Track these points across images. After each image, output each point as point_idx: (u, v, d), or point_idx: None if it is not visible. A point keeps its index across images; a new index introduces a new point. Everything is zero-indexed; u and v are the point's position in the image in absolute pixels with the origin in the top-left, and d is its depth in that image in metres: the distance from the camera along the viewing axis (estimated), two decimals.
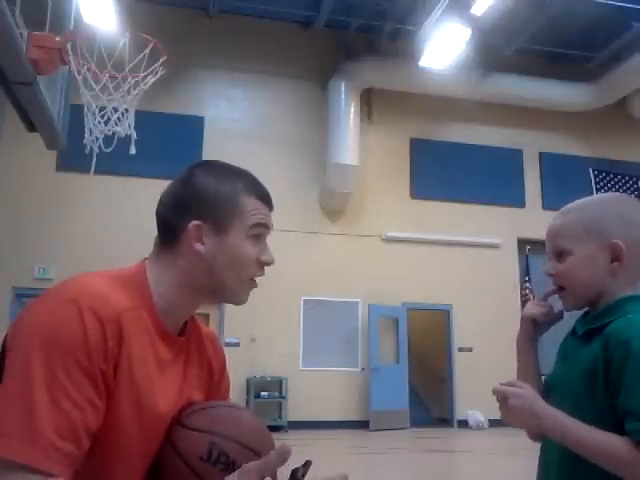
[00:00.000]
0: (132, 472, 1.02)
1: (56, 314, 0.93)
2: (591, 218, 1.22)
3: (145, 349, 1.02)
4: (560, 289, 1.27)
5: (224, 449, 1.00)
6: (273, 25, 11.92)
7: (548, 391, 1.29)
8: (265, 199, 1.15)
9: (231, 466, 0.99)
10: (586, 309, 1.28)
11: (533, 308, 1.33)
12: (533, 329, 1.34)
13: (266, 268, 1.16)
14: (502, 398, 1.15)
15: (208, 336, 1.25)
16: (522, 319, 1.35)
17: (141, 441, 1.01)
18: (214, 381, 1.24)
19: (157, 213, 1.13)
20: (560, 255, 1.25)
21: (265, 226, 1.13)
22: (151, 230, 1.16)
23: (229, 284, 1.10)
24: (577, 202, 1.29)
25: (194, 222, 1.07)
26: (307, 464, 1.09)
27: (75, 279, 1.00)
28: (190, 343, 1.17)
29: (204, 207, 1.09)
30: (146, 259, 1.12)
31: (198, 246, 1.08)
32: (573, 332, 1.28)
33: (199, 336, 1.21)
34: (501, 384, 1.17)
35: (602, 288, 1.22)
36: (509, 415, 1.15)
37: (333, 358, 11.15)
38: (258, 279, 1.16)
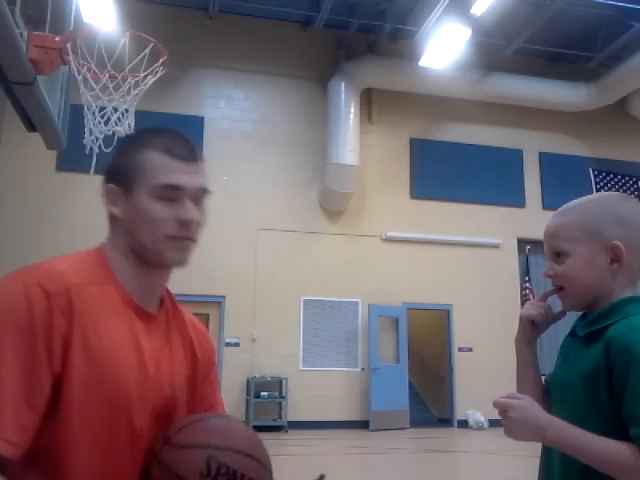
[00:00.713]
0: (102, 446, 0.99)
1: (4, 290, 0.95)
2: (590, 219, 1.21)
3: (111, 323, 1.01)
4: (559, 289, 1.26)
5: (222, 460, 0.98)
6: (273, 25, 11.92)
7: (549, 392, 1.29)
8: (174, 151, 1.09)
9: (233, 476, 0.98)
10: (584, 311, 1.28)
11: (531, 309, 1.32)
12: (531, 330, 1.33)
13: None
14: (503, 411, 1.13)
15: (192, 321, 1.23)
16: (520, 320, 1.34)
17: (109, 410, 0.99)
18: (200, 367, 1.19)
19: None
20: (559, 256, 1.24)
21: (174, 187, 1.08)
22: None
23: (145, 243, 1.09)
24: (575, 202, 1.28)
25: (106, 186, 1.10)
26: (322, 478, 1.06)
27: (39, 261, 1.02)
28: (169, 322, 1.16)
29: (114, 169, 1.11)
30: (102, 245, 1.14)
31: (114, 209, 1.10)
32: (572, 333, 1.28)
33: (181, 319, 1.19)
34: (501, 397, 1.15)
35: (601, 289, 1.21)
36: (512, 428, 1.13)
37: (333, 358, 11.15)
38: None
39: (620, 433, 1.08)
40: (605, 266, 1.20)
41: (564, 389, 1.21)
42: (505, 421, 1.13)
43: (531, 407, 1.13)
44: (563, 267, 1.23)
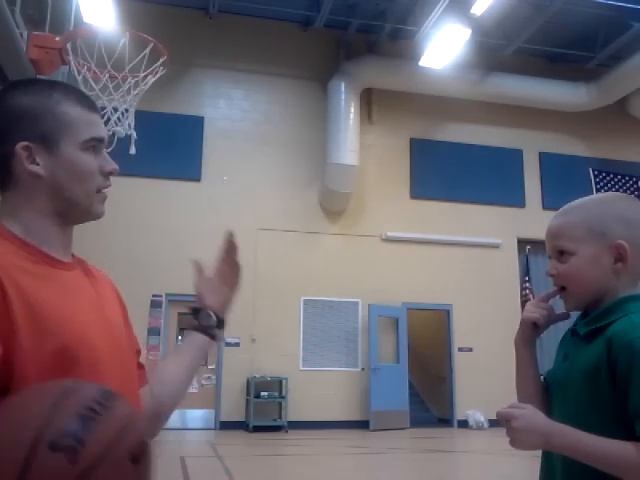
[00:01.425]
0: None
1: None
2: (594, 218, 1.22)
3: (34, 280, 0.96)
4: (561, 289, 1.26)
5: None
6: (273, 25, 11.92)
7: (548, 390, 1.29)
8: (87, 104, 1.09)
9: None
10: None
11: (534, 311, 1.31)
12: (532, 331, 1.33)
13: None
14: (506, 421, 1.13)
15: (98, 270, 1.20)
16: (522, 321, 1.32)
17: (83, 354, 0.95)
18: (125, 311, 1.21)
19: None
20: (562, 255, 1.24)
21: (99, 139, 1.08)
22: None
23: (77, 200, 1.06)
24: (578, 201, 1.28)
25: (20, 144, 1.02)
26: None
27: None
28: (87, 272, 1.13)
29: (26, 126, 1.03)
30: None
31: (33, 167, 1.03)
32: (572, 332, 1.28)
33: (96, 271, 1.17)
34: (503, 408, 1.15)
35: (605, 288, 1.21)
36: (516, 438, 1.12)
37: (333, 358, 11.15)
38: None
39: (623, 430, 1.08)
40: (609, 266, 1.20)
41: (565, 387, 1.21)
42: (509, 432, 1.13)
43: (534, 415, 1.12)
44: (567, 266, 1.23)
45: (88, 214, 1.10)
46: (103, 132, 1.12)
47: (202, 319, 1.36)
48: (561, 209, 1.29)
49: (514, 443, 1.13)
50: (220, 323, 1.42)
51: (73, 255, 1.13)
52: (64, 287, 1.02)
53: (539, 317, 1.29)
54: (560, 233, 1.25)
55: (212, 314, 1.39)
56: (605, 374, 1.11)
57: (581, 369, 1.16)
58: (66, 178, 1.05)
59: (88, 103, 1.10)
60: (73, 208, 1.07)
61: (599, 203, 1.26)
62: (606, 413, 1.11)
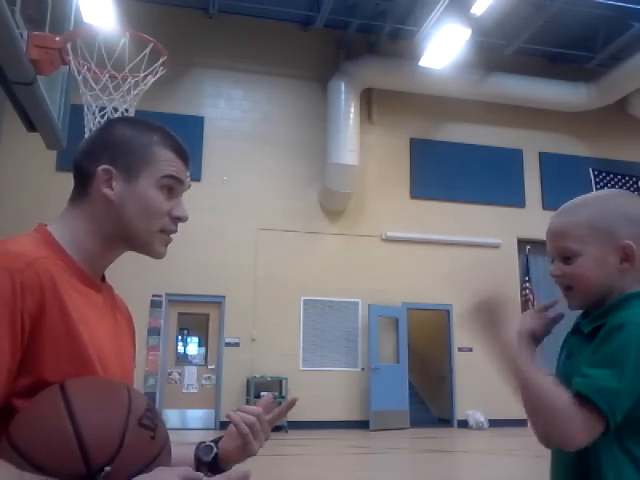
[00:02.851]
0: None
1: None
2: (598, 217, 1.20)
3: (73, 294, 1.00)
4: (567, 289, 1.25)
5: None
6: (273, 25, 11.92)
7: None
8: (180, 152, 1.14)
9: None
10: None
11: (531, 322, 1.27)
12: (531, 342, 1.31)
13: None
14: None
15: (120, 298, 1.24)
16: (520, 334, 1.23)
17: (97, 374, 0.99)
18: (134, 344, 1.23)
19: (73, 162, 1.12)
20: (567, 257, 1.22)
21: (178, 180, 1.12)
22: None
23: (138, 233, 1.10)
24: (579, 199, 1.26)
25: (103, 166, 1.07)
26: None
27: None
28: (112, 293, 1.17)
29: (116, 152, 1.09)
30: (42, 225, 1.10)
31: (107, 191, 1.07)
32: (575, 330, 1.27)
33: (119, 301, 1.21)
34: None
35: (611, 288, 1.20)
36: (480, 310, 1.22)
37: (333, 358, 11.15)
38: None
39: (626, 423, 1.07)
40: (615, 265, 1.19)
41: (569, 385, 1.21)
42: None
43: (510, 318, 1.19)
44: (572, 267, 1.21)
45: (146, 250, 1.13)
46: (184, 177, 1.14)
47: (201, 451, 1.18)
48: (562, 208, 1.27)
49: (476, 315, 1.22)
50: (212, 467, 1.16)
51: (104, 278, 1.16)
52: (94, 309, 1.06)
53: (537, 328, 1.26)
54: (564, 233, 1.22)
55: (214, 451, 1.19)
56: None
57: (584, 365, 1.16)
58: (133, 209, 1.08)
59: (182, 153, 1.14)
60: (131, 239, 1.11)
61: (601, 201, 1.24)
62: None
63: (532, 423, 1.09)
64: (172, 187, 1.11)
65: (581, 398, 1.06)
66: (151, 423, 0.94)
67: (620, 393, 1.05)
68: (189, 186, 1.16)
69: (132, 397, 0.94)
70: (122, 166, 1.08)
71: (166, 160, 1.11)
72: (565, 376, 1.22)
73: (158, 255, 1.14)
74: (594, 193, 1.29)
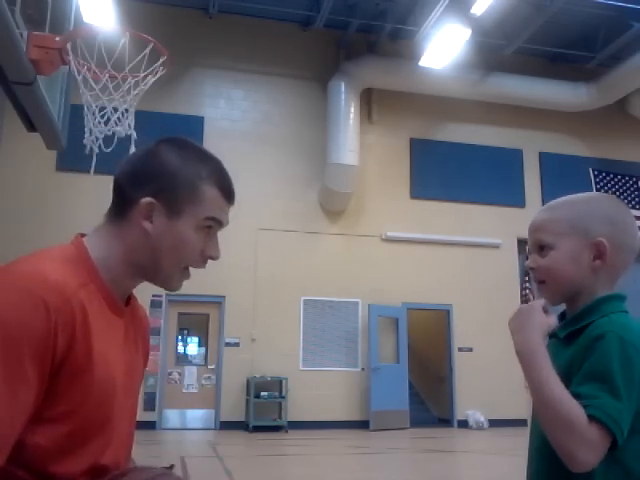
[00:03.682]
0: (95, 445, 1.01)
1: (6, 304, 0.89)
2: (577, 215, 1.23)
3: (100, 323, 1.00)
4: (541, 282, 1.27)
5: None
6: (273, 25, 11.92)
7: None
8: (227, 194, 1.12)
9: None
10: (563, 309, 1.28)
11: (546, 318, 1.22)
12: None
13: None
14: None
15: (144, 312, 1.24)
16: (539, 333, 1.20)
17: (100, 414, 1.00)
18: (144, 366, 1.23)
19: (115, 179, 1.09)
20: (542, 249, 1.25)
21: (219, 222, 1.12)
22: None
23: (164, 266, 1.08)
24: (563, 198, 1.30)
25: (147, 199, 1.05)
26: (171, 467, 1.12)
27: (24, 264, 0.97)
28: (132, 312, 1.17)
29: (162, 185, 1.06)
30: (81, 235, 1.10)
31: (146, 224, 1.05)
32: (551, 334, 1.28)
33: (136, 306, 1.20)
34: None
35: (582, 285, 1.22)
36: (509, 325, 1.21)
37: (333, 358, 11.15)
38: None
39: None
40: (588, 262, 1.21)
41: None
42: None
43: (533, 314, 1.18)
44: (546, 260, 1.24)
45: (163, 283, 1.12)
46: (225, 219, 1.14)
47: None
48: (546, 205, 1.31)
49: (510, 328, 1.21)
50: None
51: (129, 300, 1.15)
52: (116, 340, 1.06)
53: (554, 325, 1.24)
54: (542, 227, 1.26)
55: None
56: (576, 368, 1.12)
57: (561, 370, 1.17)
58: (168, 246, 1.07)
59: (229, 193, 1.13)
60: (155, 271, 1.09)
61: (585, 201, 1.27)
62: None
63: (547, 433, 1.08)
64: (212, 227, 1.11)
65: (592, 419, 1.05)
66: None
67: (622, 410, 1.05)
68: (227, 223, 1.15)
69: None
70: (166, 201, 1.05)
71: (211, 200, 1.09)
72: None
73: (173, 289, 1.13)
74: (580, 194, 1.31)
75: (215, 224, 1.11)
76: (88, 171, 4.92)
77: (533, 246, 1.28)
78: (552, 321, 1.20)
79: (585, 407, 1.04)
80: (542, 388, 1.09)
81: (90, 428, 0.99)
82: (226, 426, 10.28)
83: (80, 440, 0.98)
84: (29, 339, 0.88)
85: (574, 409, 1.05)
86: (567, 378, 1.13)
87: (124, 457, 1.09)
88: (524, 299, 12.02)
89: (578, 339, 1.17)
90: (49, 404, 0.94)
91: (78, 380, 0.95)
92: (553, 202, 1.30)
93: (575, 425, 1.03)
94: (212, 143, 11.18)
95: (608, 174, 13.26)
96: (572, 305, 1.25)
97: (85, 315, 0.97)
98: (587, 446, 1.03)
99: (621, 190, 13.29)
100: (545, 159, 13.08)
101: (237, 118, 11.67)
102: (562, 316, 1.28)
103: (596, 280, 1.21)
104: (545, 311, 1.27)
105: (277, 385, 10.64)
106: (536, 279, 1.28)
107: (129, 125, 4.87)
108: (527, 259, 1.30)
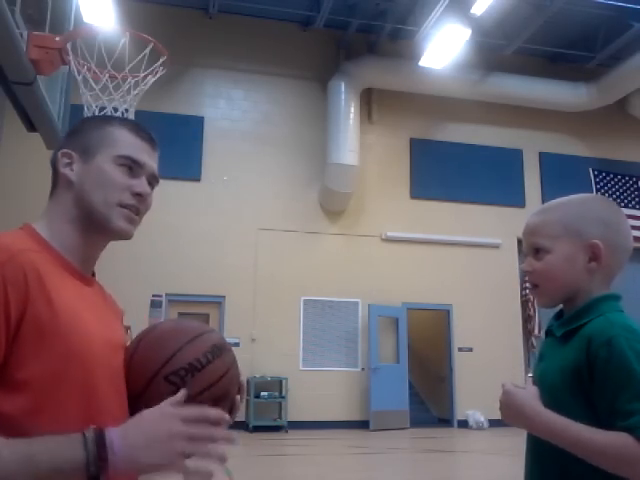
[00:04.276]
0: (80, 402, 0.98)
1: None
2: (571, 218, 1.24)
3: (60, 284, 1.02)
4: (535, 286, 1.27)
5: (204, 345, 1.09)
6: (273, 25, 11.92)
7: None
8: (137, 131, 1.16)
9: (220, 349, 1.11)
10: (560, 307, 1.29)
11: (529, 393, 1.24)
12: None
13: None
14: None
15: (112, 297, 1.26)
16: (534, 408, 1.20)
17: (81, 368, 0.99)
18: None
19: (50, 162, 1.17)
20: (537, 252, 1.25)
21: (135, 161, 1.14)
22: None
23: (96, 206, 1.10)
24: (557, 200, 1.30)
25: (63, 150, 1.13)
26: None
27: None
28: (103, 291, 1.19)
29: (75, 138, 1.15)
30: (27, 223, 1.14)
31: (67, 171, 1.12)
32: (548, 332, 1.29)
33: (105, 290, 1.23)
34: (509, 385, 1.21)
35: (579, 287, 1.23)
36: (500, 411, 1.19)
37: (333, 358, 11.15)
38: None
39: (601, 427, 1.09)
40: (583, 264, 1.22)
41: (541, 387, 1.22)
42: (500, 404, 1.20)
43: (523, 397, 1.17)
44: (542, 264, 1.24)
45: (108, 224, 1.12)
46: (145, 158, 1.16)
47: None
48: (540, 207, 1.31)
49: (501, 415, 1.20)
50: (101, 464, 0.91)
51: (93, 274, 1.17)
52: (83, 300, 1.07)
53: (535, 392, 1.26)
54: (537, 230, 1.27)
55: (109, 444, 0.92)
56: (585, 372, 1.12)
57: (558, 368, 1.17)
58: (90, 184, 1.11)
59: (142, 132, 1.17)
60: (93, 214, 1.11)
61: (578, 203, 1.28)
62: (584, 410, 1.12)
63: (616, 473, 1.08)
64: (131, 167, 1.13)
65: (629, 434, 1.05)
66: (178, 379, 1.03)
67: None
68: (154, 173, 1.17)
69: (183, 349, 1.06)
70: (80, 148, 1.13)
71: (122, 140, 1.14)
72: (539, 378, 1.25)
73: (120, 230, 1.13)
74: (573, 196, 1.31)
75: (133, 164, 1.13)
76: None
77: (528, 249, 1.28)
78: (531, 390, 1.21)
79: (630, 430, 1.04)
80: (578, 444, 1.08)
81: (69, 392, 0.96)
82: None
83: (56, 405, 0.95)
84: None
85: (616, 441, 1.05)
86: (572, 376, 1.14)
87: None
88: (524, 299, 12.04)
89: (574, 337, 1.17)
90: (19, 365, 0.93)
91: (46, 338, 0.95)
92: (546, 205, 1.31)
93: (627, 456, 1.04)
94: (212, 143, 11.20)
95: (608, 174, 13.26)
96: (569, 305, 1.25)
97: (38, 273, 0.98)
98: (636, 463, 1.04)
99: (621, 190, 13.29)
100: (545, 159, 13.08)
101: (237, 118, 11.67)
102: (559, 314, 1.28)
103: (592, 281, 1.22)
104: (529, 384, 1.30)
105: (277, 385, 10.64)
106: (530, 282, 1.28)
107: None
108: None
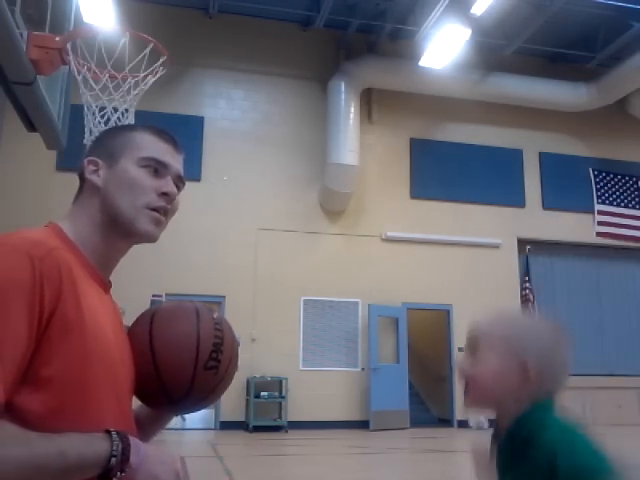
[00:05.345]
0: (105, 399, 1.02)
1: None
2: (514, 336, 1.25)
3: (86, 285, 1.03)
4: (466, 385, 1.29)
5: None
6: (273, 25, 11.92)
7: None
8: (160, 134, 1.18)
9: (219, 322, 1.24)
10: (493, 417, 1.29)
11: (478, 461, 1.34)
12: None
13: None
14: None
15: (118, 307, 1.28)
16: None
17: (105, 369, 1.01)
18: None
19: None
20: (474, 355, 1.27)
21: (161, 162, 1.15)
22: None
23: (122, 210, 1.11)
24: (511, 315, 1.34)
25: (88, 158, 1.15)
26: None
27: (2, 235, 1.00)
28: (112, 300, 1.21)
29: (101, 146, 1.17)
30: (53, 222, 1.13)
31: (94, 178, 1.13)
32: (499, 447, 1.29)
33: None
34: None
35: (505, 400, 1.24)
36: None
37: (333, 358, 11.15)
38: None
39: None
40: (514, 381, 1.22)
41: None
42: None
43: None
44: (474, 370, 1.26)
45: (134, 227, 1.12)
46: (169, 159, 1.17)
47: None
48: (495, 315, 1.32)
49: None
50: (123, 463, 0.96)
51: (110, 283, 1.19)
52: (101, 303, 1.08)
53: (482, 456, 1.33)
54: (481, 336, 1.28)
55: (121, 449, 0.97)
56: None
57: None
58: (116, 188, 1.12)
59: (164, 135, 1.19)
60: (119, 218, 1.12)
61: (525, 324, 1.29)
62: None
63: None
64: (156, 169, 1.14)
65: None
66: (215, 362, 1.16)
67: None
68: (180, 174, 1.18)
69: (200, 341, 1.15)
70: (105, 155, 1.14)
71: (145, 142, 1.15)
72: None
73: (146, 233, 1.13)
74: (528, 317, 1.37)
75: (158, 165, 1.15)
76: None
77: (468, 346, 1.30)
78: (481, 456, 1.26)
79: None
80: None
81: (92, 391, 0.99)
82: (226, 426, 10.28)
83: (80, 403, 0.97)
84: (15, 287, 0.91)
85: None
86: None
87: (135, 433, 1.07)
88: (524, 299, 12.03)
89: (523, 460, 1.18)
90: (44, 362, 0.93)
91: (71, 337, 0.96)
92: (501, 315, 1.33)
93: None
94: (212, 143, 11.20)
95: (608, 174, 13.26)
96: (497, 411, 1.27)
97: (71, 272, 0.99)
98: None
99: (621, 190, 13.29)
100: (545, 159, 13.08)
101: (237, 118, 11.67)
102: (496, 434, 1.30)
103: (522, 394, 1.23)
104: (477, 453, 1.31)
105: (277, 385, 10.64)
106: (463, 379, 1.29)
107: None
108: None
